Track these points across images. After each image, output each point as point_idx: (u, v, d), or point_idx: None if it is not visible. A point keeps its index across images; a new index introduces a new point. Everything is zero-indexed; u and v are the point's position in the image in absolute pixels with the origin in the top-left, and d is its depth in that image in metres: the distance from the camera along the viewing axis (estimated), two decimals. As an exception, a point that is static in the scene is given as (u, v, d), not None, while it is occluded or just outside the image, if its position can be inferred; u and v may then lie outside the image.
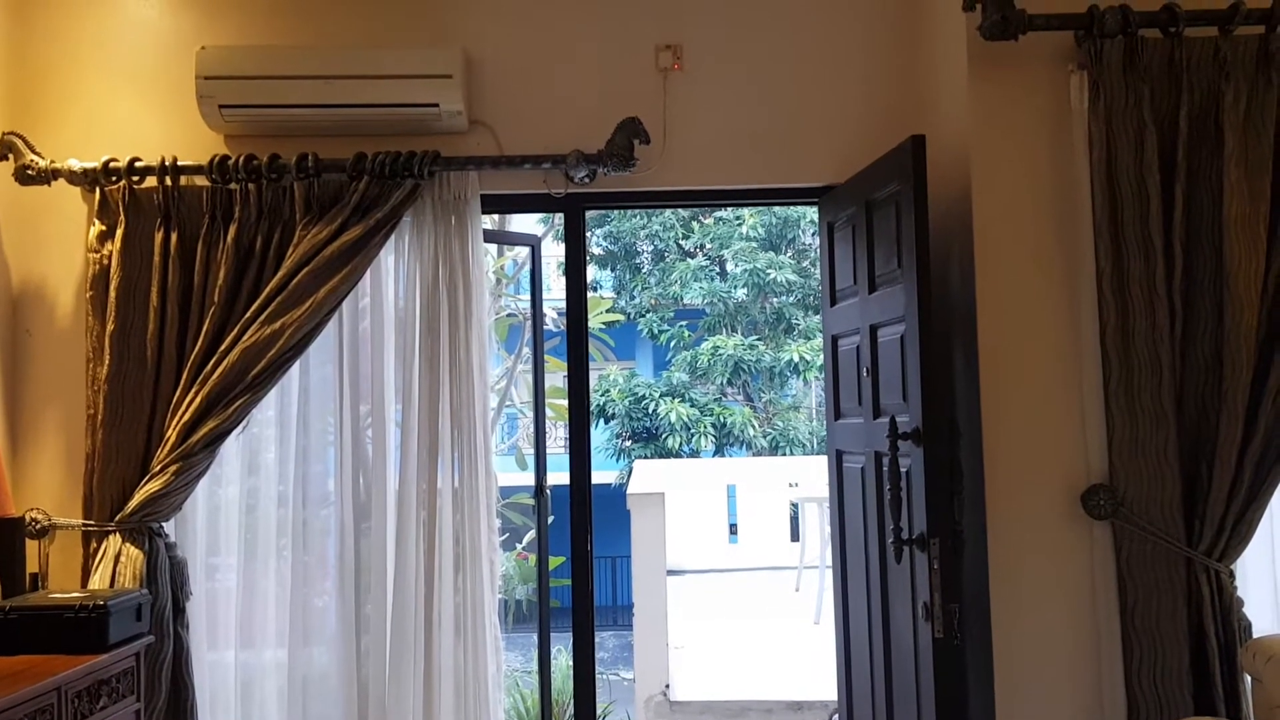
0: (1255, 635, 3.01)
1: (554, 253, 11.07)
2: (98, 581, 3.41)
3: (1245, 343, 2.99)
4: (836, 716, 4.48)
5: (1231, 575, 3.04)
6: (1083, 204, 3.12)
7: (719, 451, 12.13)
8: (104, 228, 3.58)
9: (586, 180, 3.73)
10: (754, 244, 12.09)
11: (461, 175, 3.67)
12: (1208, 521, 3.01)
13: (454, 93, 3.58)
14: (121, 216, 3.56)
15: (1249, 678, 2.91)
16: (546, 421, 4.48)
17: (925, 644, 3.08)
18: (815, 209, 4.01)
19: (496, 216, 5.38)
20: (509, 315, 7.90)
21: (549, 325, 7.02)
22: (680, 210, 12.63)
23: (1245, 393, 2.99)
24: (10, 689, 2.62)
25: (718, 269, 12.97)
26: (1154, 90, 3.09)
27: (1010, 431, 3.17)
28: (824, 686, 5.08)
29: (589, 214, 4.06)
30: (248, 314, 3.50)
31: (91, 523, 3.49)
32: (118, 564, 3.40)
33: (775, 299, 12.34)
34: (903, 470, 3.19)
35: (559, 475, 3.98)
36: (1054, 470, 3.15)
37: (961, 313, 3.33)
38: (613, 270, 13.28)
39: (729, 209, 12.22)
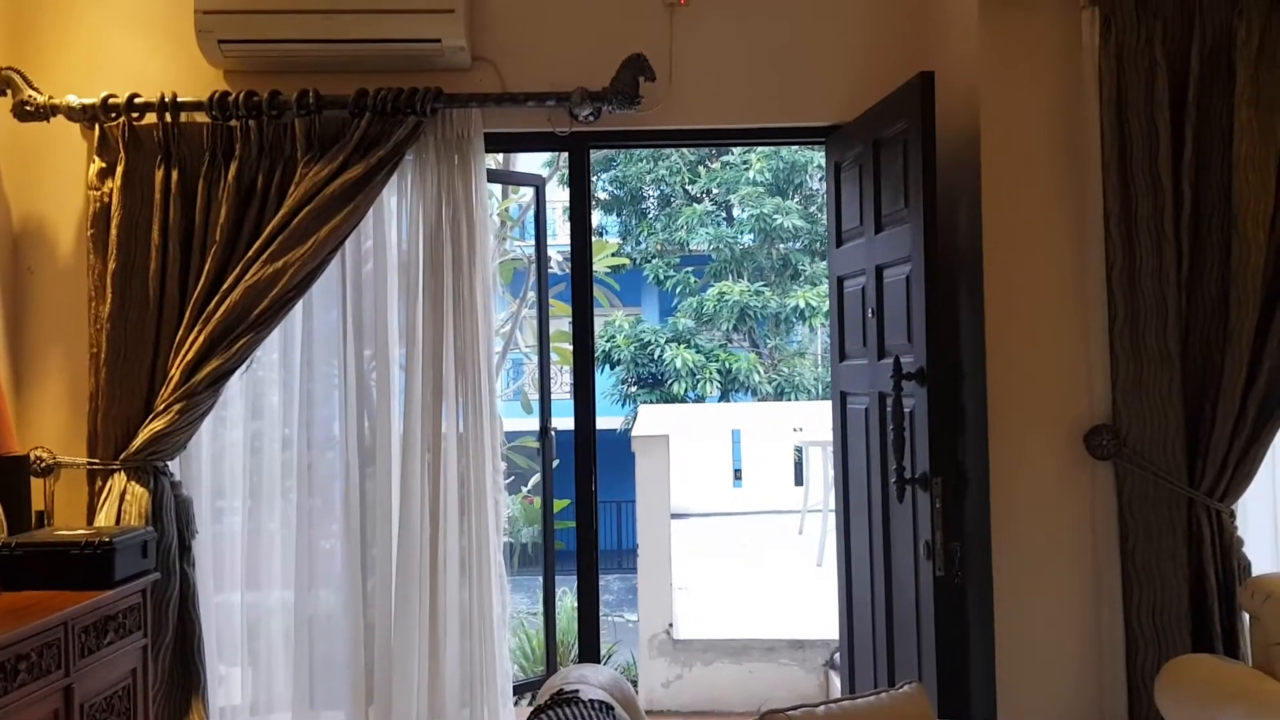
0: (1254, 574, 3.03)
1: (558, 198, 11.02)
2: (103, 519, 3.43)
3: (1252, 283, 2.98)
4: (838, 654, 4.53)
5: (1232, 515, 3.06)
6: (1092, 143, 3.09)
7: (724, 397, 12.12)
8: (104, 165, 3.56)
9: (591, 119, 3.69)
10: (761, 189, 11.97)
11: (464, 113, 3.64)
12: (1210, 462, 3.02)
13: (456, 27, 3.53)
14: (121, 153, 3.54)
15: (1247, 616, 2.93)
16: (551, 366, 4.46)
17: (926, 582, 3.10)
18: (822, 152, 3.96)
19: (501, 157, 5.32)
20: (513, 259, 7.84)
21: (554, 269, 6.98)
22: (686, 154, 12.50)
23: (1251, 333, 2.99)
24: (17, 624, 2.65)
25: (724, 214, 12.87)
26: (1166, 27, 3.05)
27: (1014, 372, 3.17)
28: (826, 626, 5.11)
29: (594, 158, 4.01)
30: (250, 252, 3.49)
31: (96, 461, 3.50)
32: (123, 502, 3.42)
33: (782, 244, 12.25)
34: (906, 410, 3.19)
35: (564, 420, 3.98)
36: (1057, 411, 3.15)
37: (967, 253, 3.31)
38: (618, 215, 13.17)
39: (736, 153, 12.10)
